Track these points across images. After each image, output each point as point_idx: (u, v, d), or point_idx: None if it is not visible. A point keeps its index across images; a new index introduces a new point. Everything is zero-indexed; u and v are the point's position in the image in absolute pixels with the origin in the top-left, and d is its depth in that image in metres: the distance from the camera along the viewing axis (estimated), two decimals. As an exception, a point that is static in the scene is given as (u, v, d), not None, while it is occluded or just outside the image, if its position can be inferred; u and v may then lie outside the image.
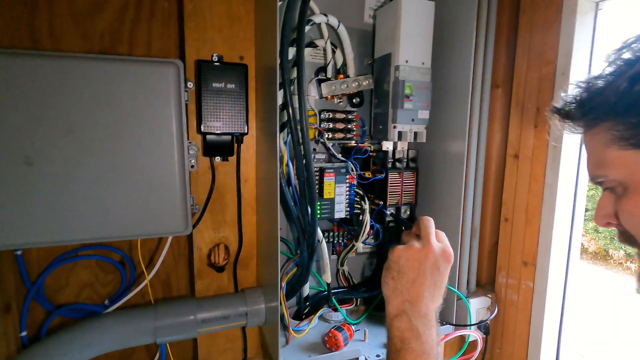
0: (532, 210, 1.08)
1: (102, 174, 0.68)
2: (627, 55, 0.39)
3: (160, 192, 0.70)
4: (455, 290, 0.83)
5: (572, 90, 0.45)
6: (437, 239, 0.57)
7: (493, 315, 1.02)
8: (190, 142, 0.76)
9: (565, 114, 0.46)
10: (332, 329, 0.79)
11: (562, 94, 0.46)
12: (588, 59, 0.97)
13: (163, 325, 0.74)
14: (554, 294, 1.06)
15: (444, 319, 0.85)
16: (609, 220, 0.45)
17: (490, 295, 1.15)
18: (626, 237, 0.44)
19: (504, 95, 1.14)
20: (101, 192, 0.68)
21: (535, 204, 1.07)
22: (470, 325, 0.87)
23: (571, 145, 0.99)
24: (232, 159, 0.85)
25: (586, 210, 1.09)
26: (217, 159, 0.83)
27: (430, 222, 0.58)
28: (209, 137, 0.79)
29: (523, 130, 1.09)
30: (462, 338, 1.17)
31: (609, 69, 0.41)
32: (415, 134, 0.83)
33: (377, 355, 0.78)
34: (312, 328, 0.85)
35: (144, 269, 0.82)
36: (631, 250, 0.48)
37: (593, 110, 0.42)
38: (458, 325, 0.89)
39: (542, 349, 1.06)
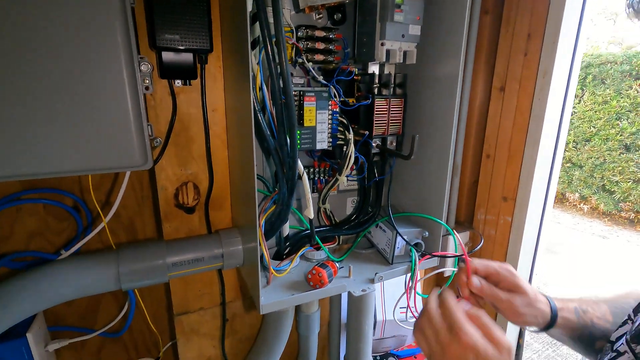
0: (516, 145, 1.05)
1: (32, 94, 0.54)
2: None
3: (109, 117, 0.58)
4: (443, 223, 0.81)
5: None
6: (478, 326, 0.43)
7: (479, 246, 1.03)
8: (142, 57, 0.63)
9: None
10: (316, 266, 0.75)
11: None
12: (586, -23, 0.90)
13: (128, 271, 0.66)
14: (531, 228, 1.08)
15: (428, 251, 0.82)
16: None
17: (470, 231, 1.16)
18: None
19: (493, 22, 1.06)
20: (32, 116, 0.55)
21: (519, 139, 1.04)
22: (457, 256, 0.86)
23: (561, 73, 0.95)
24: (196, 83, 0.73)
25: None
26: (178, 82, 0.71)
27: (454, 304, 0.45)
28: (165, 54, 0.66)
29: (512, 59, 1.03)
30: (442, 273, 1.19)
31: None
32: (405, 53, 0.74)
33: (363, 290, 0.75)
34: (294, 267, 0.81)
35: (100, 211, 0.72)
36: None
37: None
38: (442, 257, 0.88)
39: (516, 279, 1.10)
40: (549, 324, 0.54)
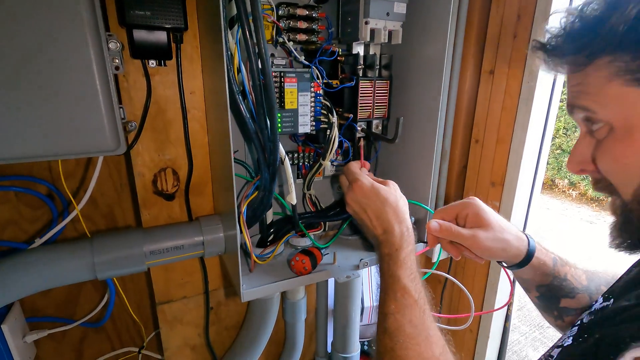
0: (504, 129, 1.04)
1: (-10, 74, 0.51)
2: None
3: (76, 98, 0.55)
4: (428, 208, 0.79)
5: (558, 19, 0.36)
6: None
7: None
8: (110, 35, 0.59)
9: (551, 51, 0.37)
10: (299, 253, 0.73)
11: (547, 26, 0.37)
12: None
13: (102, 260, 0.64)
14: (519, 212, 1.08)
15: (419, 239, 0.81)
16: (584, 167, 0.40)
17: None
18: (603, 186, 0.39)
19: (483, 3, 1.03)
20: (-8, 98, 0.52)
21: (508, 122, 1.03)
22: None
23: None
24: (172, 64, 0.70)
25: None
26: (152, 63, 0.68)
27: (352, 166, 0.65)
28: (136, 32, 0.63)
29: (501, 41, 1.01)
30: (428, 257, 1.19)
31: None
32: (390, 33, 0.71)
33: (347, 276, 0.74)
34: (277, 254, 0.79)
35: (72, 198, 0.69)
36: (603, 195, 0.42)
37: (592, 43, 0.34)
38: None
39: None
40: (523, 261, 0.55)
